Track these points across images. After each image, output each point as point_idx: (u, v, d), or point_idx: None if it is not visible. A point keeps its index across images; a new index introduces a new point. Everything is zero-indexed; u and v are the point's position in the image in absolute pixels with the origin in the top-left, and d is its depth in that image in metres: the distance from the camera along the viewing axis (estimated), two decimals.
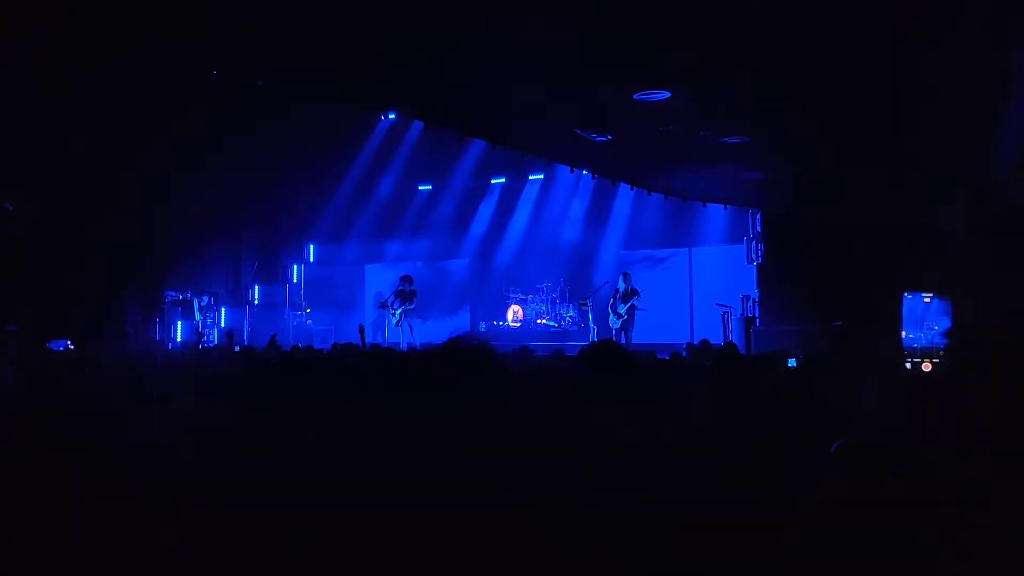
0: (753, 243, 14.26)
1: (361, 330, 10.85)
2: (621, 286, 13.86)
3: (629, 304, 13.63)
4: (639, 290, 13.81)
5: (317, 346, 15.07)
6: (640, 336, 14.27)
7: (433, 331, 16.84)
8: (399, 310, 14.73)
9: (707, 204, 14.04)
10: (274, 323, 17.50)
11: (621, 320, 13.63)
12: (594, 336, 14.17)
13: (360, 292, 19.81)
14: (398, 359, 4.86)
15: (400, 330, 14.82)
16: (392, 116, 15.37)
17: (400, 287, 14.91)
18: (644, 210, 16.15)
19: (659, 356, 7.54)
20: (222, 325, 17.02)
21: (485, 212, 18.88)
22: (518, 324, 18.05)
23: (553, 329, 17.59)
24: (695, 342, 12.54)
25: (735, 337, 13.14)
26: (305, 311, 18.71)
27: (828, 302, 11.53)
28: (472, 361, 1.43)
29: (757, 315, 13.61)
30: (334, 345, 9.29)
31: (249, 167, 15.80)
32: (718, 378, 3.99)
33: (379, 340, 16.33)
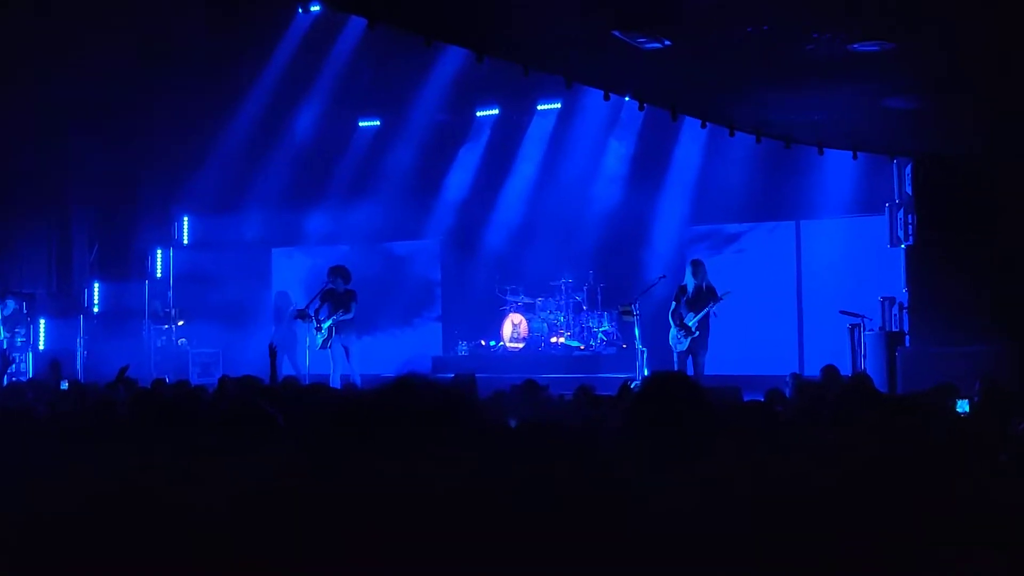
0: (899, 213, 14.23)
1: (272, 351, 10.78)
2: (690, 283, 13.76)
3: (704, 313, 13.52)
4: (721, 290, 13.71)
5: (196, 380, 15.06)
6: (716, 363, 14.23)
7: (383, 356, 16.78)
8: (328, 322, 14.70)
9: (824, 150, 14.03)
10: (126, 343, 17.48)
11: (690, 339, 13.55)
12: (644, 364, 14.12)
13: (264, 292, 19.81)
14: (327, 407, 4.76)
15: (330, 354, 14.79)
16: (315, 8, 15.32)
17: (328, 285, 14.87)
18: (722, 161, 16.15)
19: (748, 396, 7.49)
20: (41, 347, 16.97)
21: (466, 164, 18.92)
22: (520, 345, 18.07)
23: (578, 353, 17.67)
24: (805, 372, 12.43)
25: (871, 365, 13.12)
26: (175, 324, 18.77)
27: None
28: (429, 417, 1.35)
29: (906, 329, 13.64)
30: (223, 380, 9.24)
31: (78, 95, 15.73)
32: (842, 432, 3.92)
33: (294, 370, 16.32)
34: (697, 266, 13.85)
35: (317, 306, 14.80)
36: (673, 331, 13.74)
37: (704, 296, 13.63)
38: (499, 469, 1.31)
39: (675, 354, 13.75)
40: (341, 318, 14.64)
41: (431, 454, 1.30)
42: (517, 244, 18.32)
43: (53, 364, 10.65)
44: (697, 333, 13.54)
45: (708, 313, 13.59)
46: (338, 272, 14.89)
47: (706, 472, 2.56)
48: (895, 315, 13.99)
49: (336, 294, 14.78)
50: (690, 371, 13.45)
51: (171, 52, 16.01)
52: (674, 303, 13.85)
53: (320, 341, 14.80)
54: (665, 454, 2.65)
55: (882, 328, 13.81)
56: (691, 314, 13.60)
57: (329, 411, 1.40)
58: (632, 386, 8.68)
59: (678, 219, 17.33)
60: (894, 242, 14.33)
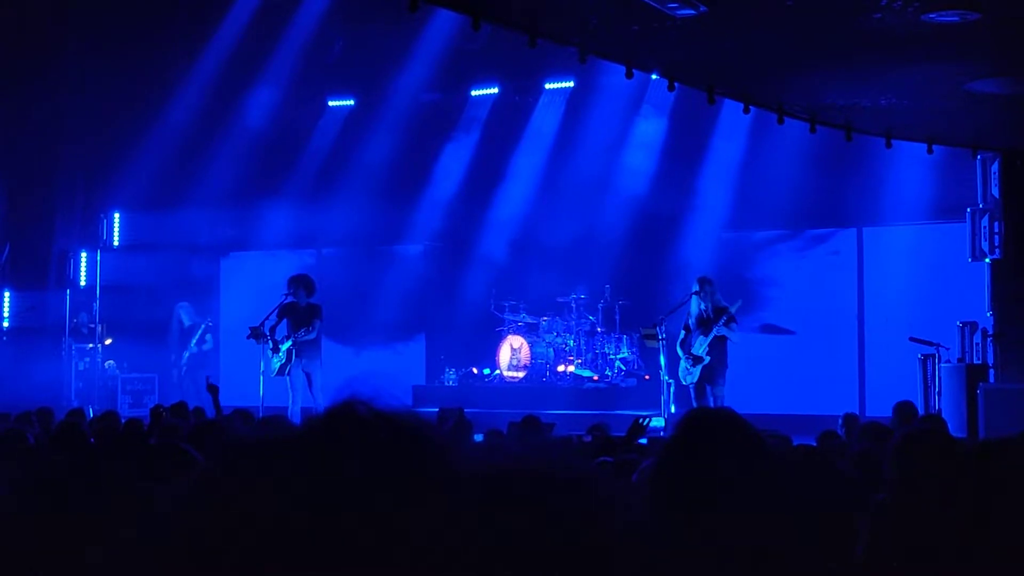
0: (983, 221, 14.22)
1: (213, 390, 10.65)
2: (698, 305, 13.82)
3: (712, 336, 13.60)
4: (730, 306, 13.75)
5: (127, 411, 14.97)
6: (756, 400, 14.13)
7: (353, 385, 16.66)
8: (286, 343, 14.67)
9: (893, 143, 14.04)
10: (41, 365, 17.45)
11: (700, 367, 13.63)
12: (671, 399, 14.09)
13: (212, 302, 19.75)
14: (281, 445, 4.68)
15: (288, 382, 14.75)
16: None
17: (288, 298, 14.85)
18: (769, 154, 16.14)
19: (797, 440, 7.43)
20: None
21: (458, 154, 18.91)
22: (521, 374, 18.02)
23: (591, 384, 17.62)
24: (865, 412, 12.36)
25: (947, 404, 13.12)
26: (101, 342, 18.71)
27: None
28: (381, 462, 1.28)
29: (991, 361, 13.64)
30: (156, 410, 9.20)
31: None
32: (908, 490, 3.86)
33: (246, 402, 16.19)
34: (704, 284, 13.88)
35: (274, 323, 14.76)
36: (683, 363, 13.79)
37: (711, 317, 13.68)
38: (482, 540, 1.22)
39: (691, 389, 13.78)
40: (303, 338, 14.60)
41: (333, 507, 1.22)
42: (518, 252, 18.31)
43: None
44: (708, 359, 13.58)
45: (717, 336, 13.60)
46: (300, 282, 14.87)
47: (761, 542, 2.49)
48: (977, 344, 13.96)
49: (297, 309, 14.75)
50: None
51: (99, 9, 15.99)
52: (683, 332, 13.91)
53: (276, 366, 14.75)
54: (703, 530, 2.57)
55: (961, 360, 13.77)
56: (701, 338, 13.63)
57: (228, 448, 1.33)
58: (643, 423, 8.56)
59: (714, 224, 17.30)
60: (977, 255, 14.32)
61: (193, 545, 1.18)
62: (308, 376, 14.67)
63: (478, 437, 9.84)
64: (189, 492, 1.24)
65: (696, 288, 13.88)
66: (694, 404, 13.59)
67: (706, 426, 2.83)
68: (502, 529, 1.15)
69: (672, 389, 14.16)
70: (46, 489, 3.51)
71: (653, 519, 2.71)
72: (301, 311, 14.72)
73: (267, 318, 14.76)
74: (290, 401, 14.63)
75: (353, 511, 1.15)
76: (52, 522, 3.21)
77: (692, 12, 8.95)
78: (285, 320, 14.74)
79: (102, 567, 2.16)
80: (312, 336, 14.69)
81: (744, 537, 2.50)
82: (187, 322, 17.13)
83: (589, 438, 8.41)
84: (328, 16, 17.19)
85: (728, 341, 13.76)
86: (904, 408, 9.61)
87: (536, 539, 1.15)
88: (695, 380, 13.72)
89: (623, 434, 8.70)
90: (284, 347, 14.65)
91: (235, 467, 1.23)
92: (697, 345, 13.69)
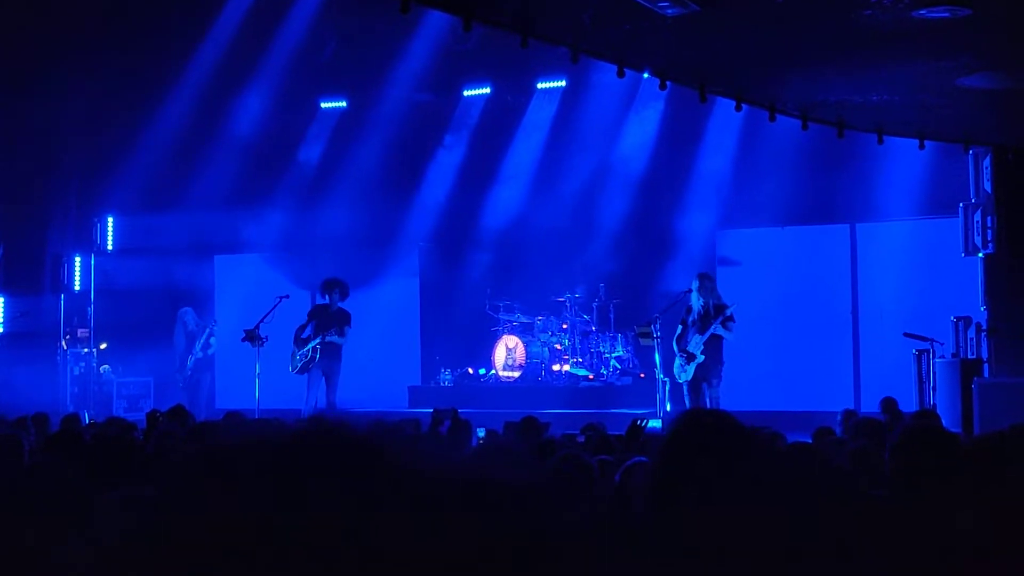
0: (976, 215, 14.25)
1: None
2: (697, 301, 13.81)
3: (708, 335, 13.58)
4: (730, 304, 13.75)
5: (122, 415, 14.94)
6: (750, 397, 14.14)
7: (351, 387, 16.74)
8: (315, 340, 14.75)
9: (884, 139, 14.05)
10: (36, 370, 17.44)
11: (695, 365, 13.63)
12: (666, 397, 14.10)
13: (207, 307, 19.71)
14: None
15: (307, 379, 14.85)
16: None
17: (324, 300, 14.98)
18: (760, 151, 16.16)
19: (793, 437, 7.43)
20: None
21: (451, 154, 18.91)
22: (516, 374, 18.00)
23: (586, 383, 17.65)
24: (861, 408, 12.38)
25: (941, 399, 13.12)
26: (96, 347, 18.69)
27: None
28: (347, 471, 1.28)
29: (985, 355, 13.64)
30: (152, 415, 9.20)
31: None
32: (906, 488, 3.87)
33: (241, 405, 16.17)
34: (704, 280, 13.86)
35: (303, 323, 14.96)
36: (678, 361, 13.80)
37: (710, 315, 13.67)
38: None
39: (686, 388, 13.77)
40: (331, 339, 14.68)
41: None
42: (512, 251, 18.30)
43: None
44: (703, 358, 13.57)
45: (714, 336, 13.59)
46: (335, 286, 15.02)
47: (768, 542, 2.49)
48: (971, 339, 13.97)
49: (328, 312, 14.87)
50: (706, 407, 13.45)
51: (90, 11, 15.96)
52: (680, 327, 13.90)
53: (300, 363, 14.83)
54: (700, 530, 2.57)
55: (955, 355, 13.77)
56: (697, 337, 13.63)
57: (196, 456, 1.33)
58: (641, 423, 8.61)
59: (707, 222, 17.30)
60: (970, 250, 14.34)
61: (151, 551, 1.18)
62: (327, 378, 14.80)
63: (481, 432, 9.89)
64: (156, 497, 1.24)
65: (696, 284, 13.86)
66: (687, 402, 13.63)
67: (700, 428, 2.84)
68: (441, 536, 1.15)
69: (667, 387, 14.15)
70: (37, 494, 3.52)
71: (648, 522, 2.72)
72: (332, 315, 14.87)
73: (262, 320, 14.82)
74: (305, 400, 14.77)
75: (308, 518, 1.15)
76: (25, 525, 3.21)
77: (682, 11, 8.95)
78: (313, 323, 14.88)
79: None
80: (341, 341, 14.80)
81: (740, 536, 2.50)
82: (191, 327, 17.10)
83: (583, 438, 8.41)
84: (319, 17, 17.15)
85: (724, 340, 13.77)
86: (889, 405, 9.65)
87: (473, 547, 1.15)
88: (689, 378, 13.72)
89: (621, 432, 8.73)
90: (311, 344, 14.76)
91: (199, 474, 1.23)
92: (693, 343, 13.69)
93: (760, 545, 2.50)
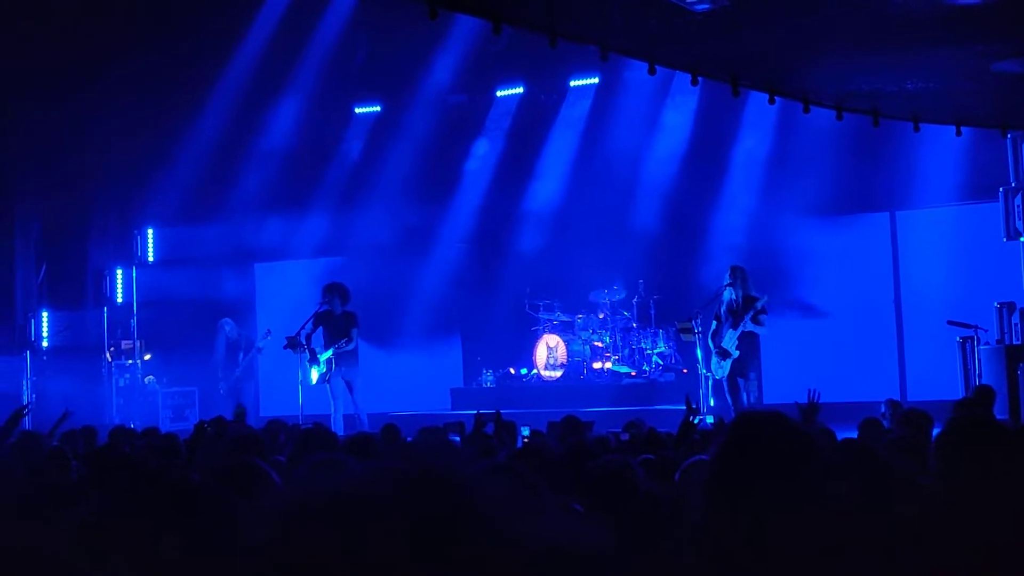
0: (1016, 200, 14.20)
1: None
2: (729, 294, 13.74)
3: (741, 329, 13.50)
4: (760, 296, 13.65)
5: (168, 427, 15.04)
6: (790, 389, 14.09)
7: (392, 390, 16.81)
8: (326, 353, 14.73)
9: (920, 126, 13.97)
10: (82, 383, 17.50)
11: (731, 361, 13.55)
12: (709, 393, 14.07)
13: (250, 317, 19.85)
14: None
15: (329, 390, 14.84)
16: None
17: (324, 307, 14.89)
18: (797, 143, 16.12)
19: (837, 428, 7.42)
20: None
21: (486, 155, 18.95)
22: (558, 373, 18.00)
23: (628, 380, 17.64)
24: (908, 397, 12.31)
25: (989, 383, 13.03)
26: (140, 358, 18.84)
27: None
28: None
29: None
30: (200, 425, 9.25)
31: (18, 77, 15.77)
32: (955, 476, 3.83)
33: (286, 411, 16.28)
34: (736, 272, 13.75)
35: (309, 331, 14.84)
36: (715, 360, 13.74)
37: (742, 307, 13.59)
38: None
39: (723, 384, 13.73)
40: (343, 349, 14.67)
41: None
42: (550, 250, 18.28)
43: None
44: (737, 353, 13.49)
45: (745, 332, 13.49)
46: (335, 290, 14.93)
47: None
48: (1015, 325, 13.89)
49: (333, 317, 14.82)
50: (744, 403, 13.41)
51: (126, 25, 16.09)
52: (714, 322, 13.84)
53: (318, 376, 14.84)
54: (759, 534, 2.57)
55: (1000, 341, 13.71)
56: (730, 332, 13.55)
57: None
58: (695, 420, 8.55)
59: (746, 213, 17.24)
60: (1011, 234, 14.30)
61: None
62: (349, 384, 14.80)
63: (525, 432, 9.92)
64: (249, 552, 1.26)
65: (728, 279, 13.81)
66: (727, 398, 13.64)
67: (755, 430, 2.83)
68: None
69: (711, 382, 14.14)
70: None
71: (705, 523, 2.71)
72: (337, 319, 14.81)
73: (303, 327, 14.84)
74: (332, 409, 14.78)
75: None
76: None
77: (710, 7, 8.95)
78: (321, 329, 14.84)
79: None
80: (352, 347, 14.79)
81: (801, 538, 2.50)
82: (232, 336, 17.20)
83: (626, 436, 8.40)
84: (351, 23, 17.24)
85: (758, 336, 13.70)
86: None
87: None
88: (726, 374, 13.69)
89: (666, 431, 8.73)
90: (324, 356, 14.74)
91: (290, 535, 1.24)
92: (727, 339, 13.64)
93: (820, 546, 2.50)
